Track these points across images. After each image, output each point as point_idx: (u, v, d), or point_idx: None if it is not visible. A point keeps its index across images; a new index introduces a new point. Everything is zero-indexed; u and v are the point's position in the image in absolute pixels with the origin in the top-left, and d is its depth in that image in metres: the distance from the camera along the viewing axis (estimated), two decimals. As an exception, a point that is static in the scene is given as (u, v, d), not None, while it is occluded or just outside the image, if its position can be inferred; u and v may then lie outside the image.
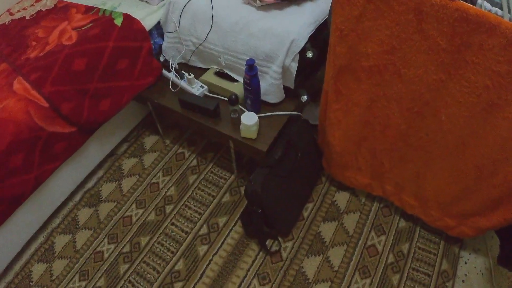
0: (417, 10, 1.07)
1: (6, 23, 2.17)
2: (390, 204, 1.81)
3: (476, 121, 1.19)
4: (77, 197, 1.99)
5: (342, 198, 1.84)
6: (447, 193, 1.48)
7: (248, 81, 1.57)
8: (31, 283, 1.74)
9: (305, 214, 1.80)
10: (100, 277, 1.70)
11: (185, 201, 1.89)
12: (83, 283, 1.70)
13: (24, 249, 1.85)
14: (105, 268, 1.72)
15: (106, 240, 1.81)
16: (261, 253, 1.70)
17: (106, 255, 1.76)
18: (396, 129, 1.43)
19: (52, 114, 1.63)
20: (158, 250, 1.74)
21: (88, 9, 1.97)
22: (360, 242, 1.70)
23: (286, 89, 1.70)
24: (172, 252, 1.73)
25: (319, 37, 1.61)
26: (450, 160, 1.37)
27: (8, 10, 2.32)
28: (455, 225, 1.58)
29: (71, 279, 1.72)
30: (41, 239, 1.88)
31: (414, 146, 1.44)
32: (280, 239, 1.73)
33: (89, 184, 2.03)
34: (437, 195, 1.53)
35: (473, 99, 1.14)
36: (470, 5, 1.00)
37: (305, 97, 1.72)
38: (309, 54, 1.55)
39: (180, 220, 1.83)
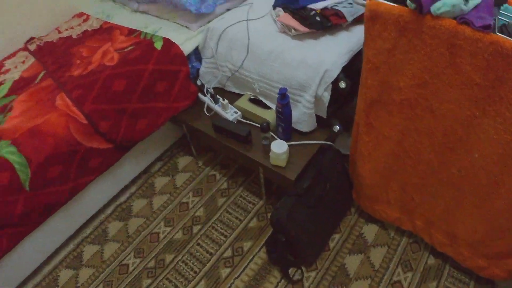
0: (450, 44, 1.05)
1: (54, 41, 2.29)
2: (420, 240, 1.73)
3: (511, 159, 1.13)
4: (109, 210, 2.04)
5: (370, 231, 1.78)
6: (479, 232, 1.41)
7: (280, 110, 1.58)
8: (56, 287, 1.79)
9: (331, 244, 1.75)
10: (123, 289, 1.73)
11: (212, 222, 1.89)
12: None
13: (54, 255, 1.91)
14: (128, 281, 1.74)
15: (132, 254, 1.83)
16: (282, 280, 1.66)
17: (131, 268, 1.79)
18: (427, 164, 1.38)
19: (91, 130, 1.69)
20: (181, 268, 1.74)
21: (131, 32, 2.06)
22: (385, 277, 1.63)
23: (318, 118, 1.69)
24: (195, 272, 1.72)
25: (353, 68, 1.59)
26: (483, 198, 1.30)
27: (57, 28, 2.45)
28: (486, 266, 1.49)
29: None
30: (71, 246, 1.93)
31: (445, 182, 1.38)
32: (303, 269, 1.69)
33: (122, 199, 2.08)
34: (468, 234, 1.45)
35: (508, 136, 1.09)
36: (507, 37, 0.96)
37: (338, 127, 1.70)
38: (342, 85, 1.54)
39: (205, 241, 1.82)
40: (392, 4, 1.12)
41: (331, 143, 1.74)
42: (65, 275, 1.83)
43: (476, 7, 1.03)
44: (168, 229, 1.90)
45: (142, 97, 1.80)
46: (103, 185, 1.94)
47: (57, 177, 1.66)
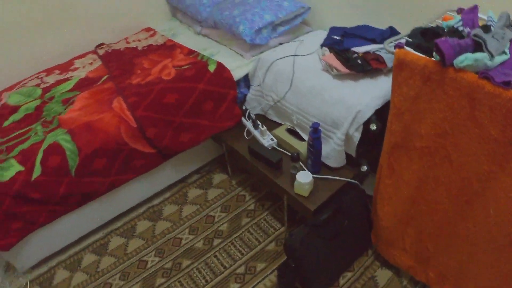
0: (470, 97, 1.07)
1: (121, 49, 2.53)
2: (432, 294, 1.68)
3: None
4: (141, 209, 2.18)
5: (383, 276, 1.76)
6: (489, 292, 1.36)
7: (311, 143, 1.64)
8: (78, 267, 1.95)
9: (341, 281, 1.74)
10: (137, 282, 1.82)
11: (233, 239, 1.95)
12: (121, 283, 1.84)
13: (83, 238, 2.08)
14: (144, 276, 1.85)
15: (153, 252, 1.94)
16: (287, 306, 1.68)
17: (149, 265, 1.89)
18: (443, 214, 1.38)
19: (138, 134, 1.85)
20: (194, 275, 1.81)
21: (190, 52, 2.23)
22: (390, 325, 1.60)
23: (348, 156, 1.74)
24: (206, 281, 1.78)
25: (386, 112, 1.64)
26: (496, 257, 1.27)
27: (126, 38, 2.71)
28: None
29: (113, 276, 1.87)
30: (100, 234, 2.09)
31: (460, 235, 1.36)
32: (309, 299, 1.70)
33: (155, 201, 2.21)
34: (479, 293, 1.41)
35: (524, 197, 1.08)
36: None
37: (365, 167, 1.73)
38: (373, 127, 1.58)
39: (223, 254, 1.89)
40: (419, 54, 1.18)
41: (356, 182, 1.76)
42: (88, 258, 1.98)
43: (503, 63, 1.06)
44: (191, 237, 1.99)
45: (189, 113, 1.94)
46: (141, 185, 2.09)
47: (100, 169, 1.83)
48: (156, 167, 2.01)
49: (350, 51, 1.75)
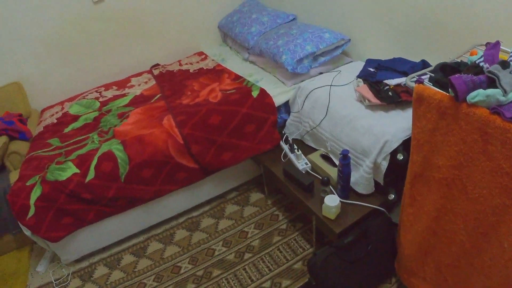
0: (483, 131, 1.12)
1: (174, 71, 2.78)
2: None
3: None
4: (181, 219, 2.37)
5: (405, 304, 1.78)
6: (504, 329, 1.36)
7: (341, 169, 1.73)
8: (118, 266, 2.15)
9: (363, 305, 1.79)
10: (169, 285, 1.98)
11: (263, 254, 2.06)
12: (155, 284, 2.01)
13: (125, 240, 2.30)
14: (176, 280, 2.00)
15: (188, 259, 2.10)
16: (307, 323, 1.75)
17: (182, 271, 2.05)
18: (460, 246, 1.41)
19: (184, 150, 2.04)
20: (223, 284, 1.94)
21: (237, 78, 2.42)
22: None
23: (377, 184, 1.81)
24: (233, 291, 1.91)
25: (414, 144, 1.70)
26: (511, 293, 1.29)
27: (179, 61, 2.97)
28: None
29: (148, 277, 2.05)
30: (140, 238, 2.29)
31: (476, 268, 1.38)
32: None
33: (194, 213, 2.39)
34: (495, 329, 1.41)
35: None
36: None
37: (393, 196, 1.79)
38: (400, 157, 1.65)
39: (251, 268, 2.00)
40: (436, 89, 1.26)
41: (383, 209, 1.82)
42: (128, 259, 2.18)
43: (518, 98, 1.11)
44: (224, 249, 2.12)
45: (232, 134, 2.11)
46: (182, 197, 2.27)
47: (147, 178, 2.03)
48: (197, 181, 2.18)
49: (382, 83, 1.83)
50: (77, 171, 1.96)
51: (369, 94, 1.82)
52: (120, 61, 2.98)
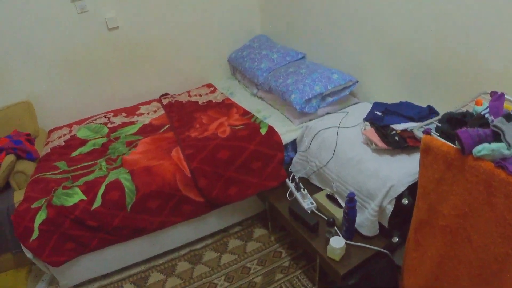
0: (487, 184, 1.21)
1: (183, 102, 2.89)
2: None
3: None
4: (183, 251, 2.42)
5: None
6: None
7: (347, 211, 1.80)
8: None
9: None
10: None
11: (264, 292, 2.12)
12: None
13: (126, 269, 2.35)
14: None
15: (189, 294, 2.15)
16: None
17: (182, 306, 2.10)
18: (464, 293, 1.48)
19: (191, 183, 2.12)
20: (225, 321, 2.00)
21: (245, 113, 2.53)
22: None
23: (381, 226, 1.88)
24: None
25: (418, 188, 1.79)
26: None
27: (188, 92, 3.09)
28: None
29: None
30: (141, 268, 2.35)
31: (479, 316, 1.45)
32: None
33: (197, 246, 2.45)
34: None
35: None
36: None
37: (396, 238, 1.86)
38: (405, 201, 1.74)
39: (253, 305, 2.06)
40: (443, 141, 1.36)
41: (387, 252, 1.89)
42: (127, 288, 2.24)
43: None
44: (226, 284, 2.17)
45: (239, 169, 2.19)
46: (186, 229, 2.33)
47: (153, 209, 2.11)
48: (202, 214, 2.25)
49: (389, 128, 1.94)
50: (84, 198, 2.03)
51: (375, 138, 1.92)
52: (130, 87, 3.11)
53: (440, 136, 1.40)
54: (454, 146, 1.31)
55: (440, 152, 1.35)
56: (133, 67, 3.04)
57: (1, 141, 2.50)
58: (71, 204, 2.00)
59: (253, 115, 2.47)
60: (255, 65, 2.80)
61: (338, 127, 2.13)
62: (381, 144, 1.88)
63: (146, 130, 2.58)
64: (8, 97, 2.81)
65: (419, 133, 1.47)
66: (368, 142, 1.97)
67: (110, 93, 3.06)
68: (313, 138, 2.17)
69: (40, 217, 1.97)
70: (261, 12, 3.35)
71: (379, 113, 2.06)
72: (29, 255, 2.01)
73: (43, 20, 2.67)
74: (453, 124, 1.44)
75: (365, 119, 2.08)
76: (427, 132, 1.42)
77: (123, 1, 2.86)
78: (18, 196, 2.26)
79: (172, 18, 3.04)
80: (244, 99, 2.80)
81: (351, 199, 1.76)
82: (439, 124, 1.48)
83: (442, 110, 1.99)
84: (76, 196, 2.03)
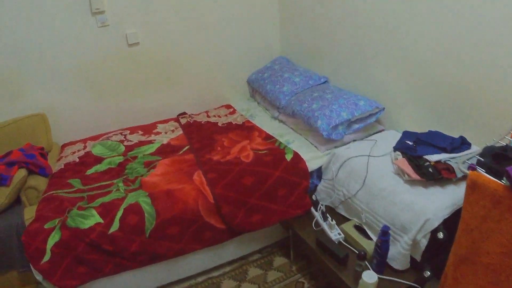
0: (537, 226, 1.24)
1: (202, 122, 2.91)
2: None
3: None
4: (200, 278, 2.40)
5: None
6: None
7: (379, 245, 1.80)
8: None
9: None
10: None
11: (285, 325, 2.11)
12: None
13: None
14: None
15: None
16: None
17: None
18: (506, 334, 1.48)
19: (214, 209, 2.12)
20: None
21: (268, 137, 2.55)
22: None
23: (412, 259, 1.89)
24: None
25: (454, 221, 1.78)
26: None
27: (206, 112, 3.12)
28: None
29: None
30: None
31: None
32: None
33: (214, 273, 2.43)
34: None
35: None
36: None
37: (428, 273, 1.86)
38: (440, 236, 1.74)
39: None
40: (491, 178, 1.37)
41: (418, 286, 1.89)
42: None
43: None
44: (246, 315, 2.17)
45: (263, 196, 2.20)
46: (204, 256, 2.32)
47: (173, 235, 2.10)
48: (223, 241, 2.25)
49: (422, 159, 1.96)
50: (101, 220, 2.01)
51: (408, 169, 1.94)
52: (147, 105, 3.14)
53: (485, 172, 1.42)
54: (503, 183, 1.33)
55: (488, 189, 1.36)
56: (151, 84, 3.07)
57: (13, 154, 2.49)
58: (87, 226, 1.99)
59: (276, 140, 2.49)
60: (276, 88, 2.84)
61: (369, 156, 2.15)
62: (414, 176, 1.90)
63: (165, 150, 2.59)
64: (22, 109, 2.83)
65: (464, 169, 1.48)
66: (400, 173, 1.98)
67: (126, 109, 3.09)
68: (341, 166, 2.19)
69: (53, 238, 1.95)
70: (281, 34, 3.41)
71: (410, 143, 2.09)
72: (38, 277, 1.98)
73: (61, 31, 2.72)
74: (494, 158, 1.47)
75: (396, 149, 2.11)
76: (472, 168, 1.44)
77: (144, 17, 2.92)
78: (29, 213, 2.24)
79: (193, 37, 3.10)
80: (265, 122, 2.83)
81: (385, 233, 1.77)
82: (481, 158, 1.50)
83: (473, 140, 2.01)
84: (92, 219, 2.02)
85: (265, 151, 2.35)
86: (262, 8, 3.30)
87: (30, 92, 2.81)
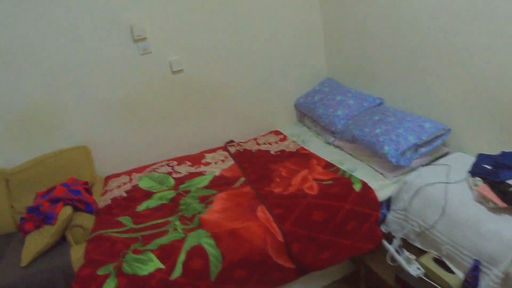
0: None
1: (253, 150, 2.88)
2: None
3: None
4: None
5: None
6: None
7: (470, 280, 1.74)
8: None
9: None
10: None
11: None
12: None
13: None
14: None
15: None
16: None
17: None
18: None
19: (283, 249, 2.06)
20: None
21: (328, 165, 2.49)
22: None
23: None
24: None
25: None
26: None
27: (255, 139, 3.10)
28: None
29: None
30: None
31: None
32: None
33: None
34: None
35: None
36: None
37: (523, 308, 1.78)
38: (536, 268, 1.67)
39: None
40: None
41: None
42: None
43: None
44: None
45: (333, 231, 2.14)
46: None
47: (240, 279, 2.03)
48: (291, 281, 2.18)
49: (506, 184, 1.88)
50: (161, 266, 1.94)
51: (492, 196, 1.86)
52: (193, 134, 3.15)
53: None
54: None
55: None
56: (195, 111, 3.08)
57: (57, 190, 2.46)
58: (146, 273, 1.91)
59: (338, 168, 2.44)
60: (330, 112, 2.80)
61: (446, 183, 2.09)
62: (500, 203, 1.82)
63: (219, 183, 2.56)
64: (64, 141, 2.86)
65: None
66: (483, 200, 1.91)
67: (171, 139, 3.10)
68: (414, 195, 2.13)
69: (108, 286, 1.89)
70: (327, 55, 3.39)
71: (488, 167, 2.02)
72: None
73: (102, 60, 2.77)
74: None
75: (473, 173, 2.04)
76: None
77: (187, 43, 2.95)
78: (76, 253, 2.21)
79: (236, 62, 3.12)
80: (319, 148, 2.79)
81: (476, 268, 1.71)
82: None
83: None
84: (152, 264, 1.95)
85: (329, 182, 2.30)
86: (306, 29, 3.30)
87: (69, 123, 2.84)
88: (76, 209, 2.42)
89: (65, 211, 2.31)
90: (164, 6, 2.84)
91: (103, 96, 2.84)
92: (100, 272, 1.94)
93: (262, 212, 2.17)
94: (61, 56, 2.67)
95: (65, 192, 2.42)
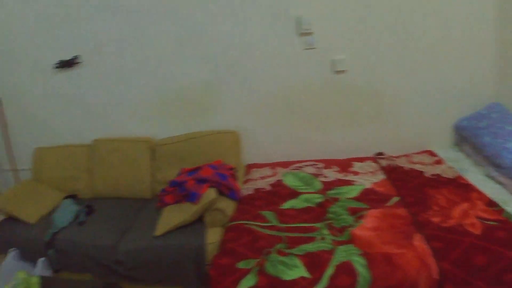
0: None
1: (405, 168, 2.79)
2: None
3: None
4: None
5: None
6: None
7: None
8: None
9: None
10: None
11: None
12: None
13: None
14: None
15: None
16: None
17: None
18: None
19: (435, 286, 1.96)
20: None
21: (491, 203, 2.35)
22: None
23: None
24: None
25: None
26: None
27: (407, 156, 3.01)
28: None
29: None
30: None
31: None
32: None
33: None
34: None
35: None
36: None
37: None
38: None
39: None
40: None
41: None
42: None
43: None
44: None
45: (490, 280, 1.98)
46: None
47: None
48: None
49: None
50: (307, 275, 1.95)
51: None
52: (343, 138, 3.17)
53: None
54: None
55: None
56: (351, 116, 3.08)
57: (204, 171, 2.60)
58: (289, 278, 1.93)
59: (503, 209, 2.33)
60: (498, 142, 2.67)
61: None
62: None
63: (370, 197, 2.54)
64: (215, 123, 3.05)
65: None
66: None
67: (319, 140, 3.14)
68: None
69: (247, 282, 1.93)
70: (501, 76, 3.16)
71: None
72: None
73: (265, 51, 2.88)
74: None
75: None
76: None
77: (355, 43, 2.93)
78: (211, 236, 2.30)
79: (401, 71, 3.05)
80: (478, 180, 2.66)
81: None
82: None
83: None
84: (297, 270, 1.96)
85: (494, 223, 2.21)
86: (476, 48, 3.09)
87: (224, 107, 2.98)
88: (220, 193, 2.54)
89: (210, 194, 2.44)
90: (334, 0, 2.84)
91: (260, 86, 2.95)
92: (241, 265, 2.00)
93: (419, 242, 2.11)
94: (227, 42, 2.83)
95: (212, 174, 2.57)
